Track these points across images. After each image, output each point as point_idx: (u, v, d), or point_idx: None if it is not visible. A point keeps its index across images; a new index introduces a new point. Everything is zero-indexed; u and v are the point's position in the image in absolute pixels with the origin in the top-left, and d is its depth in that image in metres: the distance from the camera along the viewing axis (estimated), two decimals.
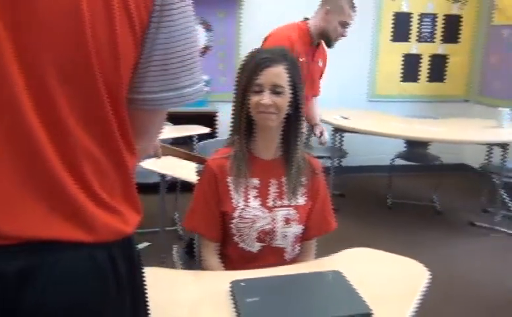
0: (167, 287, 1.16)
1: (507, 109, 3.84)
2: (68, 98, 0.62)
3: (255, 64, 1.35)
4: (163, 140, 3.02)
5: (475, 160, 4.82)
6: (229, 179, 1.41)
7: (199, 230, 1.48)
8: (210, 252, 1.44)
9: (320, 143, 2.99)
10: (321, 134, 2.97)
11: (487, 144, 4.07)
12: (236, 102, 1.40)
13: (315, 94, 2.99)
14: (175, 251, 1.59)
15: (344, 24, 2.64)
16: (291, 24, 2.74)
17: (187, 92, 0.73)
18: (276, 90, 1.34)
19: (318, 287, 1.10)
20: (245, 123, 1.39)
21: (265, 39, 2.71)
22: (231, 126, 1.45)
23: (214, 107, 4.21)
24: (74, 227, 0.64)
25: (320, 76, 2.97)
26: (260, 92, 1.34)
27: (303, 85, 1.42)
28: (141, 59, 0.70)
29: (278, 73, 1.34)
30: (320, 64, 2.89)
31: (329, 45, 2.77)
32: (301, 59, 2.65)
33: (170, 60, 0.71)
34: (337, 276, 1.14)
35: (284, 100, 1.35)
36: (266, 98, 1.33)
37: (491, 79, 5.01)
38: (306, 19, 2.77)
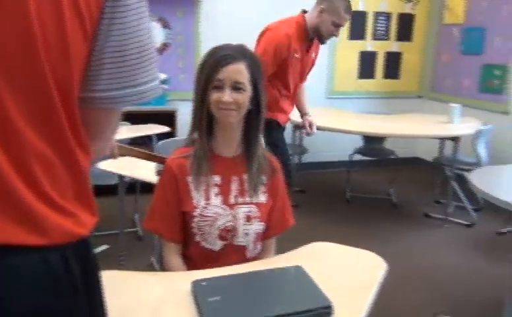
0: (127, 290, 1.14)
1: (457, 105, 4.01)
2: (17, 98, 0.60)
3: (215, 61, 1.35)
4: (121, 141, 2.97)
5: (428, 153, 5.00)
6: (190, 178, 1.40)
7: (160, 231, 1.46)
8: (172, 253, 1.43)
9: (308, 134, 3.00)
10: (310, 126, 2.98)
11: (439, 138, 4.23)
12: (196, 100, 1.39)
13: (302, 82, 3.01)
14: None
15: (337, 25, 2.67)
16: (290, 19, 2.75)
17: (143, 89, 0.72)
18: (236, 87, 1.34)
19: (279, 283, 1.12)
20: (205, 121, 1.39)
21: (262, 34, 2.73)
22: (191, 124, 1.44)
23: (174, 105, 4.16)
24: (26, 231, 0.62)
25: (311, 66, 3.00)
26: (220, 89, 1.34)
27: (263, 82, 1.43)
28: (93, 55, 0.68)
29: (239, 70, 1.34)
30: (313, 55, 2.93)
31: (322, 42, 2.81)
32: (296, 55, 2.69)
33: (124, 57, 0.69)
34: (298, 271, 1.16)
35: (245, 97, 1.36)
36: (227, 96, 1.33)
37: (442, 76, 5.22)
38: (304, 11, 2.78)
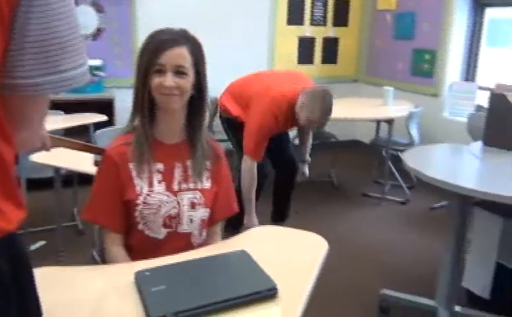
0: (67, 286, 1.10)
1: (391, 88, 4.20)
2: None
3: (157, 45, 1.32)
4: (56, 131, 2.83)
5: (366, 136, 5.20)
6: (131, 165, 1.36)
7: (100, 221, 1.42)
8: (114, 244, 1.39)
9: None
10: (303, 175, 3.02)
11: (376, 120, 4.41)
12: (137, 85, 1.36)
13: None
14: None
15: (311, 123, 2.63)
16: (284, 95, 2.69)
17: (68, 75, 0.69)
18: (179, 71, 1.32)
19: (224, 268, 1.12)
20: (147, 107, 1.36)
21: (250, 98, 2.74)
22: (132, 110, 1.40)
23: (111, 93, 4.03)
24: None
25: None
26: (162, 73, 1.31)
27: (206, 67, 1.40)
28: (13, 41, 0.64)
29: (181, 54, 1.32)
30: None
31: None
32: (280, 127, 2.72)
33: (47, 41, 0.66)
34: (242, 255, 1.17)
35: (187, 82, 1.34)
36: (169, 80, 1.30)
37: (377, 60, 5.42)
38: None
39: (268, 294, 1.01)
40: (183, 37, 1.34)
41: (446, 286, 2.31)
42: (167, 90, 1.31)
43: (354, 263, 2.91)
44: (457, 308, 2.36)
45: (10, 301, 0.65)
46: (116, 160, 1.36)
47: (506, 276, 2.34)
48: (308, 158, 3.08)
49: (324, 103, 2.60)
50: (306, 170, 3.11)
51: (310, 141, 3.08)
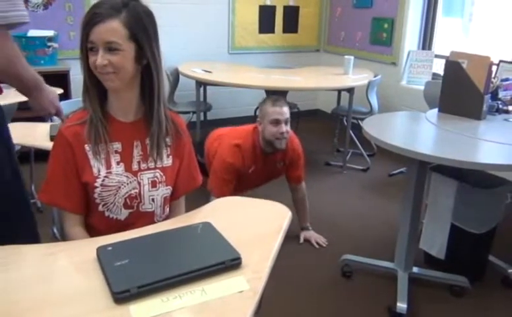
0: (28, 264, 1.07)
1: (351, 57, 4.24)
2: None
3: (87, 20, 1.22)
4: (9, 106, 2.70)
5: (327, 105, 5.26)
6: (87, 147, 1.31)
7: (59, 203, 1.37)
8: (74, 225, 1.35)
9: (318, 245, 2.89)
10: (317, 242, 2.89)
11: (336, 90, 4.45)
12: (81, 62, 1.29)
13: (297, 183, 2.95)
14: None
15: (274, 122, 2.63)
16: (247, 133, 2.75)
17: None
18: (110, 48, 1.23)
19: (188, 240, 1.12)
20: (92, 85, 1.29)
21: (219, 142, 2.79)
22: (83, 87, 1.34)
23: (66, 65, 3.87)
24: None
25: (290, 171, 2.92)
26: (95, 51, 1.23)
27: (151, 36, 1.29)
28: None
29: (111, 29, 1.22)
30: (281, 165, 2.85)
31: (277, 148, 2.72)
32: (250, 170, 2.71)
33: None
34: (206, 226, 1.17)
35: (123, 57, 1.24)
36: (100, 59, 1.22)
37: (337, 29, 5.44)
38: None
39: (232, 264, 1.02)
40: (115, 9, 1.23)
41: (404, 249, 2.40)
42: (100, 69, 1.24)
43: (317, 231, 2.97)
44: (415, 269, 2.47)
45: None
46: (70, 141, 1.30)
47: (460, 237, 2.46)
48: (307, 225, 2.97)
49: (270, 98, 2.74)
50: (312, 234, 2.96)
51: (307, 206, 2.98)
